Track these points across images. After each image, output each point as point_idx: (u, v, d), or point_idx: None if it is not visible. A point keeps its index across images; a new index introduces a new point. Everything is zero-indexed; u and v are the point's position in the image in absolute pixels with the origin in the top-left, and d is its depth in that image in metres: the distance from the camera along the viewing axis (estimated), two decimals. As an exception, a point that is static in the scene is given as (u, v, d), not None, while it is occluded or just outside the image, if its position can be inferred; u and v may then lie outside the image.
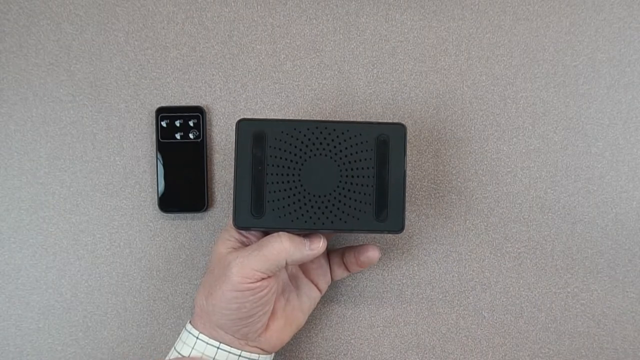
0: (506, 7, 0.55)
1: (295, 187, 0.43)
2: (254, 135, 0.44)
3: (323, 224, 0.43)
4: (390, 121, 0.51)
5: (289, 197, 0.43)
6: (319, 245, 0.45)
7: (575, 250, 0.55)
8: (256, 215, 0.44)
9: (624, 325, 0.55)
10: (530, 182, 0.55)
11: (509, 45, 0.55)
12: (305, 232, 0.45)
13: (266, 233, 0.45)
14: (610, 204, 0.55)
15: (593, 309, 0.55)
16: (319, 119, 0.55)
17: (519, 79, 0.55)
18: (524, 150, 0.55)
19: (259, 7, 0.55)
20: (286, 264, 0.44)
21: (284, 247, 0.43)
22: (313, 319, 0.54)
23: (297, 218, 0.43)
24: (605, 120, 0.55)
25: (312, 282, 0.50)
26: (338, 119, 0.54)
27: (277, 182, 0.43)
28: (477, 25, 0.55)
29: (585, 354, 0.54)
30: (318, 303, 0.51)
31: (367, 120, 0.54)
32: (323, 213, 0.43)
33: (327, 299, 0.54)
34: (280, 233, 0.44)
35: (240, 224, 0.44)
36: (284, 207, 0.43)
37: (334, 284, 0.54)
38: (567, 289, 0.55)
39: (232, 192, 0.55)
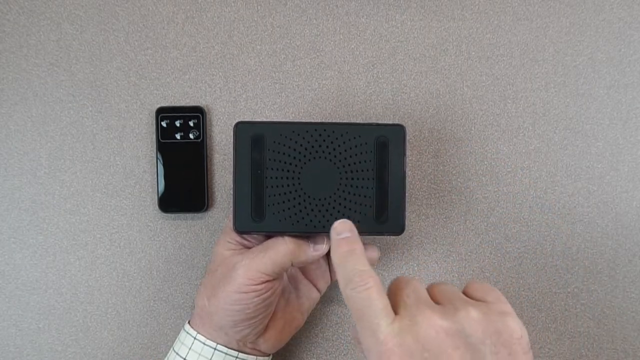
0: (506, 7, 0.55)
1: (295, 191, 0.43)
2: (252, 138, 0.43)
3: (324, 227, 0.43)
4: (389, 122, 0.51)
5: (289, 200, 0.43)
6: (323, 246, 0.45)
7: (575, 250, 0.55)
8: (256, 220, 0.43)
9: (624, 325, 0.55)
10: (530, 182, 0.55)
11: (509, 45, 0.55)
12: (306, 235, 0.45)
13: (267, 236, 0.45)
14: (610, 204, 0.55)
15: (593, 309, 0.55)
16: (317, 120, 0.55)
17: (519, 79, 0.55)
18: (524, 150, 0.55)
19: (259, 7, 0.55)
20: (291, 265, 0.44)
21: (289, 249, 0.43)
22: (313, 319, 0.54)
23: (298, 221, 0.43)
24: (605, 120, 0.55)
25: (312, 282, 0.50)
26: (337, 121, 0.54)
27: (277, 186, 0.43)
28: (477, 25, 0.55)
29: (585, 354, 0.54)
30: (318, 303, 0.51)
31: (367, 121, 0.54)
32: (324, 216, 0.43)
33: (327, 299, 0.54)
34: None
35: (240, 229, 0.44)
36: (284, 210, 0.43)
37: (333, 284, 0.54)
38: (567, 289, 0.55)
39: (232, 195, 0.55)
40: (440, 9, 0.55)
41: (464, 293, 0.37)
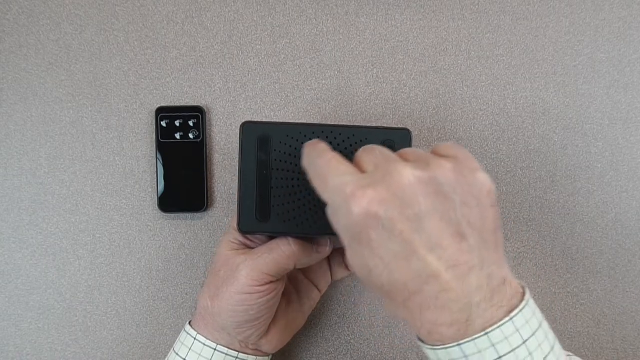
0: (506, 7, 0.55)
1: (301, 192, 0.43)
2: (259, 138, 0.43)
3: (328, 229, 0.43)
4: (395, 126, 0.51)
5: (294, 201, 0.43)
6: (326, 248, 0.45)
7: (575, 250, 0.55)
8: (261, 220, 0.43)
9: (624, 325, 0.55)
10: (530, 182, 0.55)
11: (509, 45, 0.55)
12: (311, 237, 0.45)
13: (270, 237, 0.45)
14: (610, 204, 0.55)
15: (593, 309, 0.55)
16: (319, 121, 0.54)
17: (519, 79, 0.55)
18: (524, 150, 0.55)
19: (259, 7, 0.55)
20: (294, 267, 0.44)
21: (292, 250, 0.43)
22: (313, 319, 0.54)
23: (302, 223, 0.43)
24: (605, 120, 0.55)
25: (312, 282, 0.50)
26: (344, 124, 0.54)
27: (282, 187, 0.43)
28: (477, 25, 0.55)
29: (585, 354, 0.54)
30: (318, 303, 0.51)
31: (373, 124, 0.54)
32: (326, 218, 0.43)
33: (327, 299, 0.54)
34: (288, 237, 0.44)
35: (244, 229, 0.44)
36: (289, 212, 0.43)
37: (334, 284, 0.54)
38: (567, 289, 0.55)
39: (233, 194, 0.55)
40: (440, 9, 0.55)
41: (433, 153, 0.37)
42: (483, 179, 0.35)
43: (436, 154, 0.37)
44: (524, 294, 0.35)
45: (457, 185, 0.34)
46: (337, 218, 0.35)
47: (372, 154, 0.36)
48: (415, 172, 0.33)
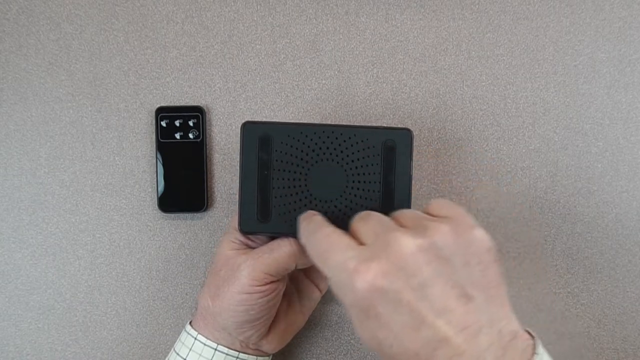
0: (506, 7, 0.55)
1: (302, 192, 0.43)
2: (260, 138, 0.43)
3: None
4: (396, 126, 0.51)
5: (295, 202, 0.43)
6: None
7: (575, 250, 0.55)
8: (262, 220, 0.43)
9: (624, 325, 0.55)
10: (530, 182, 0.55)
11: (509, 45, 0.55)
12: None
13: (272, 237, 0.45)
14: (610, 204, 0.55)
15: (593, 309, 0.55)
16: (324, 122, 0.54)
17: (519, 79, 0.55)
18: (524, 150, 0.55)
19: (259, 7, 0.55)
20: (295, 267, 0.44)
21: (294, 250, 0.43)
22: (313, 319, 0.54)
23: None
24: (605, 120, 0.55)
25: (313, 282, 0.50)
26: (345, 124, 0.54)
27: (283, 187, 0.43)
28: (477, 25, 0.55)
29: (586, 354, 0.54)
30: (318, 303, 0.51)
31: (374, 124, 0.54)
32: (329, 218, 0.43)
33: (327, 299, 0.54)
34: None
35: (245, 229, 0.44)
36: (290, 212, 0.43)
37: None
38: (567, 289, 0.55)
39: (233, 194, 0.55)
40: (440, 8, 0.55)
41: (427, 213, 0.37)
42: (480, 235, 0.35)
43: (430, 213, 0.37)
44: (534, 346, 0.35)
45: (455, 247, 0.34)
46: (342, 294, 0.35)
47: (369, 223, 0.36)
48: (415, 241, 0.33)
